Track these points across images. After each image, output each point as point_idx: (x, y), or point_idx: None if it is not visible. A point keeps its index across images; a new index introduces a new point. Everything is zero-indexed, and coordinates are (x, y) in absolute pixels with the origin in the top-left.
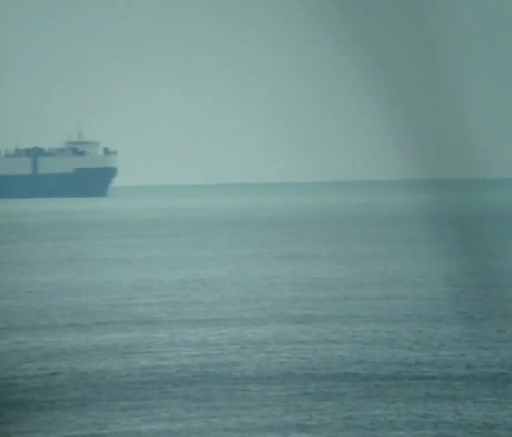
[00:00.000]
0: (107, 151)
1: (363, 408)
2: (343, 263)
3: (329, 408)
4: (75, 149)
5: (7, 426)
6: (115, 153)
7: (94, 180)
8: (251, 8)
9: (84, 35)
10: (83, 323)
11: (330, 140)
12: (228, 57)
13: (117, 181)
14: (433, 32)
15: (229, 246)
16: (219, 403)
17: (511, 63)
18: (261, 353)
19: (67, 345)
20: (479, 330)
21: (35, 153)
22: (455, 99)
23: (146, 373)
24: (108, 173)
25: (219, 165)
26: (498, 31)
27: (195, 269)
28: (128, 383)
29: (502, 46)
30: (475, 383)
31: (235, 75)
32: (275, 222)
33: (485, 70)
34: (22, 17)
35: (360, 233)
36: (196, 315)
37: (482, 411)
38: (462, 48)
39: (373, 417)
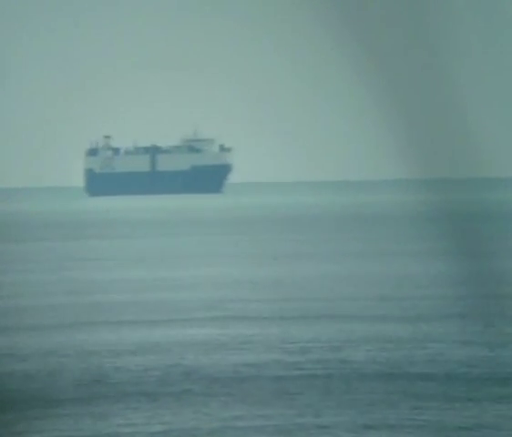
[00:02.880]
0: (222, 148)
1: None
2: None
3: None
4: (191, 147)
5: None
6: (230, 150)
7: (210, 177)
8: (253, 9)
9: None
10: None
11: (329, 140)
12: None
13: (232, 178)
14: (433, 32)
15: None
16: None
17: (511, 62)
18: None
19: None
20: None
21: (153, 151)
22: (455, 99)
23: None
24: (224, 170)
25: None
26: (498, 31)
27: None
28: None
29: (502, 46)
30: None
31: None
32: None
33: (485, 70)
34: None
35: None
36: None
37: None
38: (462, 48)
39: None
